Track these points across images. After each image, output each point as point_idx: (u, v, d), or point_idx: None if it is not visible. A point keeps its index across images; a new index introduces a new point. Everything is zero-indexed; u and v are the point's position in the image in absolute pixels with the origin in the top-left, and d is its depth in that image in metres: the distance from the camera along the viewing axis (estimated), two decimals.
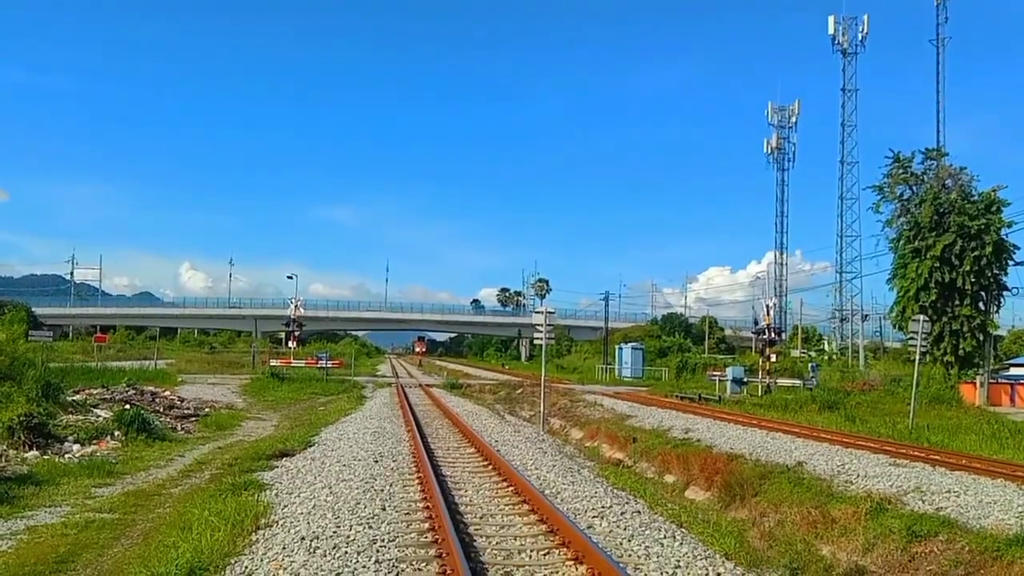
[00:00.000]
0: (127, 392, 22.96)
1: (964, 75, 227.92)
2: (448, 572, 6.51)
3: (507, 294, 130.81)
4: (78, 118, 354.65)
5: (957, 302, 30.40)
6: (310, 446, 15.32)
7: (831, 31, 64.35)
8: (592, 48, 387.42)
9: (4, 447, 13.44)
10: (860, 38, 63.95)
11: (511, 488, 10.66)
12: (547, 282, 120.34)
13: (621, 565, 6.84)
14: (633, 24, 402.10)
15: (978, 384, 30.74)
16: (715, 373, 39.79)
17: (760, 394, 33.24)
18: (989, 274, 30.24)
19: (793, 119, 70.87)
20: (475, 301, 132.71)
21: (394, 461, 12.92)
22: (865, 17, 63.96)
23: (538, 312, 22.90)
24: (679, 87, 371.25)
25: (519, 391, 34.91)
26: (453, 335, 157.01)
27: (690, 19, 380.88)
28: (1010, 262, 30.90)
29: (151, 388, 25.37)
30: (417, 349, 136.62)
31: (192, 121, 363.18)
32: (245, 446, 16.50)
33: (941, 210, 31.06)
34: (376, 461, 12.84)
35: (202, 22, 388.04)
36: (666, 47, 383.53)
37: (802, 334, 64.94)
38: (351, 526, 8.14)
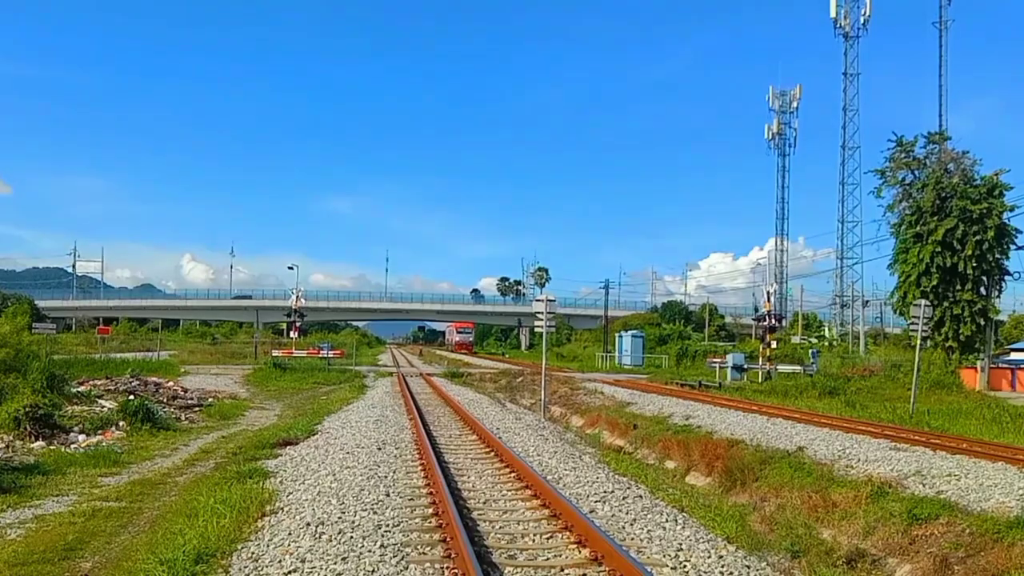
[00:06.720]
0: (131, 383, 23.07)
1: (967, 58, 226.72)
2: (453, 556, 6.58)
3: (507, 283, 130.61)
4: (78, 111, 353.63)
5: (958, 287, 30.34)
6: (313, 434, 15.40)
7: (833, 14, 63.92)
8: (591, 35, 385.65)
9: (11, 438, 13.55)
10: (862, 21, 63.51)
11: (513, 474, 10.73)
12: (547, 271, 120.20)
13: (624, 548, 6.90)
14: (632, 9, 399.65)
15: (979, 369, 30.77)
16: (715, 360, 39.86)
17: (760, 380, 33.33)
18: (991, 258, 30.15)
19: (794, 104, 70.57)
20: (475, 291, 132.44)
21: (397, 448, 12.99)
22: None
23: (539, 300, 22.91)
24: (680, 73, 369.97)
25: (519, 379, 34.98)
26: None
27: (691, 3, 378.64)
28: (1012, 246, 30.79)
29: (155, 379, 25.47)
30: (456, 340, 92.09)
31: (191, 113, 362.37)
32: (249, 435, 16.59)
33: (943, 194, 30.95)
34: (379, 448, 12.92)
35: (200, 14, 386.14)
36: (667, 32, 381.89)
37: (803, 320, 64.94)
38: (356, 512, 8.21)
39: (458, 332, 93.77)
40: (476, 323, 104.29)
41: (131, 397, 19.15)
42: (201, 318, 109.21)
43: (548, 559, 6.81)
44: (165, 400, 21.07)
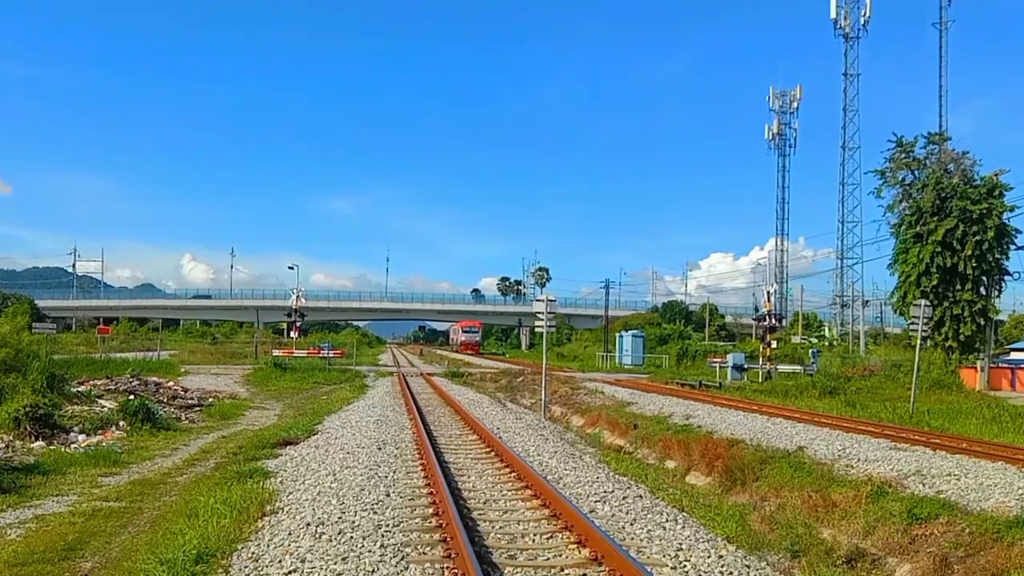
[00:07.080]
0: (131, 383, 23.07)
1: (967, 58, 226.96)
2: (453, 555, 6.58)
3: (507, 283, 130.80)
4: (78, 111, 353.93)
5: (958, 287, 30.36)
6: (314, 434, 15.41)
7: (833, 15, 63.96)
8: (591, 35, 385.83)
9: (11, 438, 13.54)
10: (862, 22, 63.54)
11: (514, 474, 10.73)
12: (547, 271, 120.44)
13: (624, 548, 6.90)
14: (632, 9, 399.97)
15: (979, 368, 30.77)
16: (715, 360, 39.87)
17: (760, 380, 33.33)
18: (991, 258, 30.16)
19: (795, 104, 70.61)
20: (475, 291, 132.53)
21: (397, 448, 12.99)
22: (867, 0, 63.57)
23: (539, 300, 22.92)
24: (681, 73, 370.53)
25: (520, 379, 34.98)
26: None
27: (692, 4, 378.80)
28: (1011, 246, 30.81)
29: (155, 379, 25.47)
30: (462, 339, 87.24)
31: (191, 113, 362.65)
32: (249, 435, 16.58)
33: (943, 195, 30.96)
34: (379, 448, 12.92)
35: (200, 14, 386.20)
36: (667, 32, 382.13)
37: (803, 320, 64.96)
38: (356, 512, 8.21)
39: (464, 331, 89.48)
40: (483, 323, 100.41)
41: (131, 397, 19.15)
42: (201, 318, 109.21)
43: (548, 559, 6.81)
44: (165, 400, 21.08)
